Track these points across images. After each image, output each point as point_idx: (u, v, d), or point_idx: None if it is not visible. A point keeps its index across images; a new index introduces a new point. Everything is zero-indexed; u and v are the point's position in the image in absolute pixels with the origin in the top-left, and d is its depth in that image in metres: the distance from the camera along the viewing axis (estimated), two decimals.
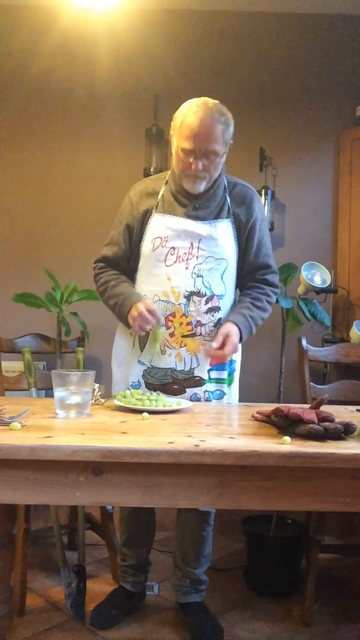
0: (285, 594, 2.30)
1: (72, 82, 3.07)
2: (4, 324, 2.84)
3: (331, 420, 1.35)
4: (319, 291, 2.78)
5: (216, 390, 1.94)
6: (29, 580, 2.22)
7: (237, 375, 2.04)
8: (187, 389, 1.89)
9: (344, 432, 1.31)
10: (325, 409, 1.53)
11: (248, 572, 2.42)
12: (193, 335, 1.87)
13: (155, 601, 2.23)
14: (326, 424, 1.32)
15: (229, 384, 1.99)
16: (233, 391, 2.02)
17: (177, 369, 1.89)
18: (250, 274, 2.00)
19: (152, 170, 2.96)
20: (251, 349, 2.83)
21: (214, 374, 1.92)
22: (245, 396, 2.11)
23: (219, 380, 1.94)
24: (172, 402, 1.67)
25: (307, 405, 1.68)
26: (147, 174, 2.93)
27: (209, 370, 1.91)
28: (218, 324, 1.89)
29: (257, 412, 1.54)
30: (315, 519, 2.18)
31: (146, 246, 1.92)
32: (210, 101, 1.82)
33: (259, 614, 2.17)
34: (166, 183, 1.96)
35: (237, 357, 2.02)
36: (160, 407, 1.62)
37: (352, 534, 2.74)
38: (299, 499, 1.27)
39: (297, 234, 3.08)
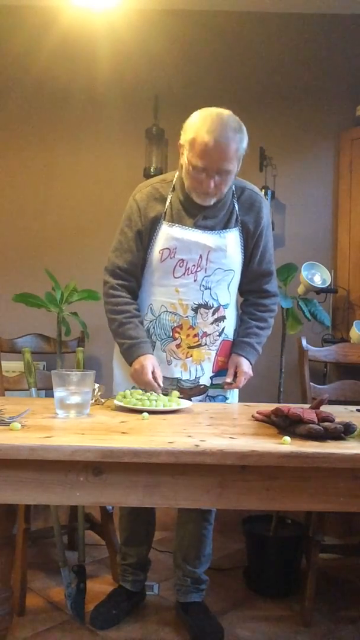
0: (285, 594, 2.30)
1: (72, 82, 3.07)
2: (4, 324, 2.84)
3: (331, 420, 1.35)
4: (319, 291, 2.78)
5: (217, 395, 1.96)
6: (29, 580, 2.22)
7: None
8: (192, 398, 1.88)
9: (344, 432, 1.31)
10: (325, 409, 1.53)
11: (248, 572, 2.42)
12: (199, 346, 1.88)
13: (155, 601, 2.23)
14: (326, 424, 1.32)
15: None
16: (233, 394, 2.03)
17: (183, 379, 1.90)
18: (253, 282, 2.00)
19: (152, 170, 2.96)
20: None
21: (216, 380, 1.94)
22: (245, 396, 2.11)
23: (220, 386, 1.95)
24: (172, 402, 1.67)
25: (307, 405, 1.68)
26: (147, 174, 2.93)
27: (211, 377, 1.93)
28: (222, 333, 1.91)
29: (257, 412, 1.54)
30: (315, 519, 2.18)
31: (155, 256, 1.88)
32: (225, 115, 1.75)
33: (259, 614, 2.17)
34: (173, 189, 1.90)
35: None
36: (160, 407, 1.62)
37: (352, 534, 2.75)
38: (299, 499, 1.27)
39: (297, 234, 3.08)
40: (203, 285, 1.86)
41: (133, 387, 1.89)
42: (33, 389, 2.17)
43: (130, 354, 1.84)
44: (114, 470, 1.23)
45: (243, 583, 2.39)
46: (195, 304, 1.86)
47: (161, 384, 1.80)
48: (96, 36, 3.02)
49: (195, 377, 1.90)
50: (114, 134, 3.07)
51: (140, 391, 1.77)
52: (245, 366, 1.91)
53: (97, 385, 1.74)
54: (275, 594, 2.30)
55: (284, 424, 1.38)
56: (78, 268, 2.98)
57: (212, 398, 1.95)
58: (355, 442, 1.30)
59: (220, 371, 1.94)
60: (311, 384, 2.31)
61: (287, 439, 1.27)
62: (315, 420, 1.34)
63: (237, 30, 3.09)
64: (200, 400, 1.91)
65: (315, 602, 2.14)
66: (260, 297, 2.03)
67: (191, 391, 1.90)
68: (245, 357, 1.92)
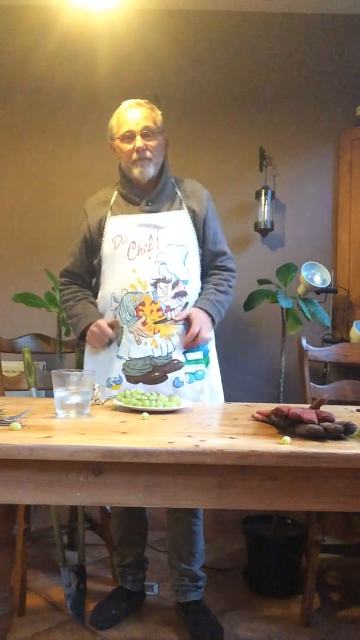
0: (285, 594, 2.30)
1: (72, 82, 3.07)
2: (4, 324, 2.84)
3: (331, 420, 1.35)
4: (319, 291, 2.78)
5: (197, 371, 1.98)
6: (29, 580, 2.22)
7: (213, 356, 2.08)
8: (167, 375, 1.93)
9: (344, 432, 1.31)
10: (325, 409, 1.52)
11: (248, 572, 2.42)
12: (164, 320, 1.94)
13: (155, 601, 2.23)
14: (326, 424, 1.32)
15: (206, 364, 2.03)
16: (212, 371, 2.05)
17: (155, 356, 1.93)
18: (210, 262, 2.11)
19: None
20: (251, 349, 2.83)
21: (190, 356, 1.98)
22: (245, 396, 2.11)
23: (196, 362, 1.99)
24: (172, 402, 1.67)
25: (307, 405, 1.68)
26: None
27: (184, 353, 1.96)
28: (187, 307, 1.97)
29: (257, 412, 1.54)
30: (315, 519, 2.18)
31: (107, 247, 2.01)
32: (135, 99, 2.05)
33: (259, 614, 2.17)
34: (116, 190, 2.10)
35: (210, 336, 2.06)
36: (160, 407, 1.62)
37: (352, 534, 2.75)
38: (299, 499, 1.27)
39: (297, 234, 3.08)
40: (158, 262, 1.95)
41: (113, 383, 1.95)
42: (33, 389, 2.17)
43: (80, 326, 2.01)
44: (114, 470, 1.23)
45: (243, 583, 2.39)
46: (153, 279, 1.94)
47: (118, 321, 1.95)
48: (96, 36, 3.02)
49: (167, 353, 1.93)
50: None
51: (141, 391, 1.77)
52: (200, 315, 1.95)
53: (97, 385, 1.74)
54: (275, 594, 2.30)
55: (284, 424, 1.38)
56: None
57: (192, 374, 1.97)
58: (355, 442, 1.30)
59: (192, 348, 1.98)
60: (311, 384, 2.31)
61: (287, 439, 1.27)
62: (315, 420, 1.34)
63: (237, 30, 3.09)
64: (180, 380, 1.94)
65: (315, 602, 2.14)
66: (217, 271, 2.12)
67: (166, 367, 1.93)
68: (204, 310, 1.98)
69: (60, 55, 3.05)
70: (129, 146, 1.99)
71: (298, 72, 3.09)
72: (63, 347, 2.53)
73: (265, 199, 2.95)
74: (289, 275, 2.55)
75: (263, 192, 2.95)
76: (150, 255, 1.95)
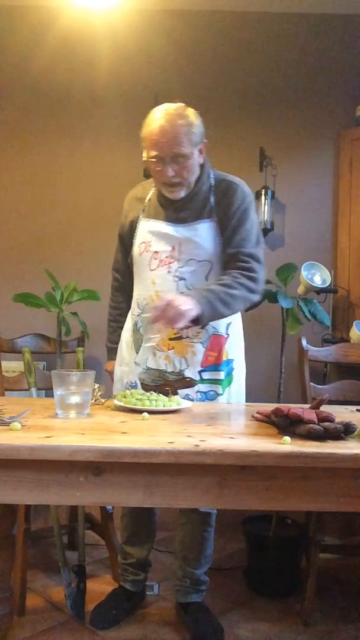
0: (285, 594, 2.30)
1: (72, 82, 3.07)
2: (4, 324, 2.84)
3: (331, 420, 1.35)
4: (319, 291, 2.78)
5: (209, 390, 1.91)
6: (29, 580, 2.22)
7: (238, 374, 2.00)
8: (178, 391, 1.87)
9: (344, 432, 1.31)
10: (325, 409, 1.52)
11: (248, 572, 2.42)
12: (180, 338, 1.86)
13: (155, 601, 2.23)
14: (326, 424, 1.32)
15: (229, 383, 1.95)
16: (234, 390, 1.97)
17: (167, 371, 1.89)
18: (228, 264, 1.87)
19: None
20: (251, 349, 2.83)
21: (206, 375, 1.90)
22: (245, 396, 2.11)
23: (213, 381, 1.91)
24: (172, 402, 1.67)
25: (307, 405, 1.68)
26: (147, 174, 2.93)
27: (200, 372, 1.90)
28: (208, 326, 1.87)
29: (257, 412, 1.54)
30: (315, 519, 2.18)
31: (135, 251, 1.96)
32: (172, 106, 1.82)
33: (259, 614, 2.17)
34: (154, 187, 1.96)
35: (235, 355, 1.98)
36: (160, 407, 1.62)
37: (352, 534, 2.75)
38: (299, 499, 1.27)
39: (297, 234, 3.08)
40: (177, 277, 1.86)
41: (129, 387, 1.94)
42: (33, 389, 2.17)
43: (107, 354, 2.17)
44: (114, 470, 1.23)
45: (243, 583, 2.39)
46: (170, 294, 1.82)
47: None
48: (96, 36, 3.02)
49: (180, 370, 1.88)
50: (114, 134, 3.07)
51: (141, 391, 1.77)
52: (182, 297, 1.64)
53: (97, 385, 1.74)
54: (275, 594, 2.30)
55: (284, 424, 1.38)
56: (78, 268, 2.98)
57: (204, 393, 1.91)
58: (355, 442, 1.30)
59: (211, 366, 1.90)
60: (311, 384, 2.31)
61: (287, 439, 1.27)
62: (315, 420, 1.34)
63: (237, 30, 3.09)
64: (190, 397, 1.86)
65: (315, 602, 2.14)
66: (231, 270, 1.84)
67: (177, 383, 1.88)
68: (191, 297, 1.67)
69: (60, 55, 3.05)
70: (158, 168, 1.82)
71: (298, 72, 3.09)
72: (63, 347, 2.53)
73: (265, 199, 2.95)
74: (289, 275, 2.55)
75: (263, 192, 2.95)
76: (170, 269, 1.86)
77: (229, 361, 1.96)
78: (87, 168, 3.09)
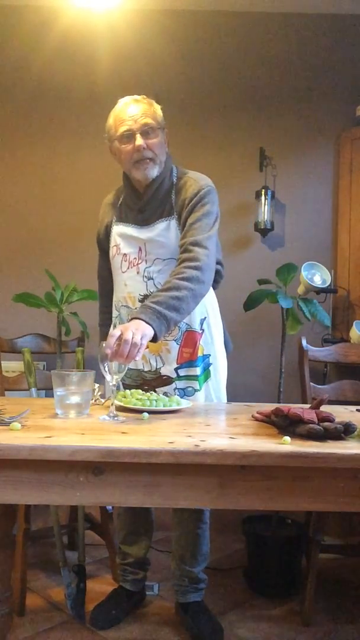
0: (285, 594, 2.30)
1: (72, 82, 3.07)
2: (4, 324, 2.84)
3: (331, 420, 1.35)
4: (319, 291, 2.78)
5: (187, 387, 1.91)
6: (29, 580, 2.22)
7: (216, 369, 1.96)
8: (156, 389, 1.86)
9: (344, 432, 1.31)
10: (325, 409, 1.53)
11: (248, 572, 2.42)
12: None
13: (155, 601, 2.23)
14: (326, 424, 1.32)
15: (206, 379, 1.94)
16: (212, 386, 1.95)
17: (145, 370, 1.92)
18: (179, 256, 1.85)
19: None
20: (251, 349, 2.83)
21: (183, 372, 1.90)
22: (245, 396, 2.11)
23: (189, 378, 1.91)
24: (172, 402, 1.67)
25: (307, 405, 1.68)
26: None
27: (176, 369, 1.90)
28: (181, 323, 1.88)
29: (257, 412, 1.54)
30: (315, 519, 2.18)
31: (110, 255, 2.01)
32: (134, 95, 1.94)
33: (259, 614, 2.17)
34: (124, 190, 2.02)
35: (211, 350, 1.95)
36: (160, 407, 1.62)
37: (352, 534, 2.75)
38: (299, 499, 1.27)
39: (297, 234, 3.08)
40: (145, 277, 1.90)
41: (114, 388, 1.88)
42: (33, 389, 2.17)
43: None
44: (114, 470, 1.23)
45: (243, 583, 2.39)
46: (140, 295, 1.90)
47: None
48: (96, 36, 3.02)
49: (156, 368, 1.90)
50: None
51: (140, 391, 1.77)
52: (132, 326, 1.56)
53: (97, 385, 1.74)
54: (275, 594, 2.30)
55: (284, 424, 1.38)
56: (78, 268, 2.97)
57: (182, 390, 1.90)
58: (355, 442, 1.30)
59: (186, 362, 1.90)
60: (311, 384, 2.31)
61: (287, 439, 1.27)
62: (315, 420, 1.34)
63: (237, 30, 3.09)
64: (169, 394, 1.80)
65: (315, 602, 2.14)
66: (180, 263, 1.81)
67: (154, 382, 1.90)
68: (138, 318, 1.63)
69: (60, 55, 3.05)
70: (129, 146, 1.87)
71: (298, 72, 3.09)
72: (63, 347, 2.53)
73: (265, 199, 2.95)
74: (289, 275, 2.55)
75: (263, 192, 2.95)
76: (139, 269, 1.91)
77: (205, 356, 1.95)
78: (87, 168, 3.09)
